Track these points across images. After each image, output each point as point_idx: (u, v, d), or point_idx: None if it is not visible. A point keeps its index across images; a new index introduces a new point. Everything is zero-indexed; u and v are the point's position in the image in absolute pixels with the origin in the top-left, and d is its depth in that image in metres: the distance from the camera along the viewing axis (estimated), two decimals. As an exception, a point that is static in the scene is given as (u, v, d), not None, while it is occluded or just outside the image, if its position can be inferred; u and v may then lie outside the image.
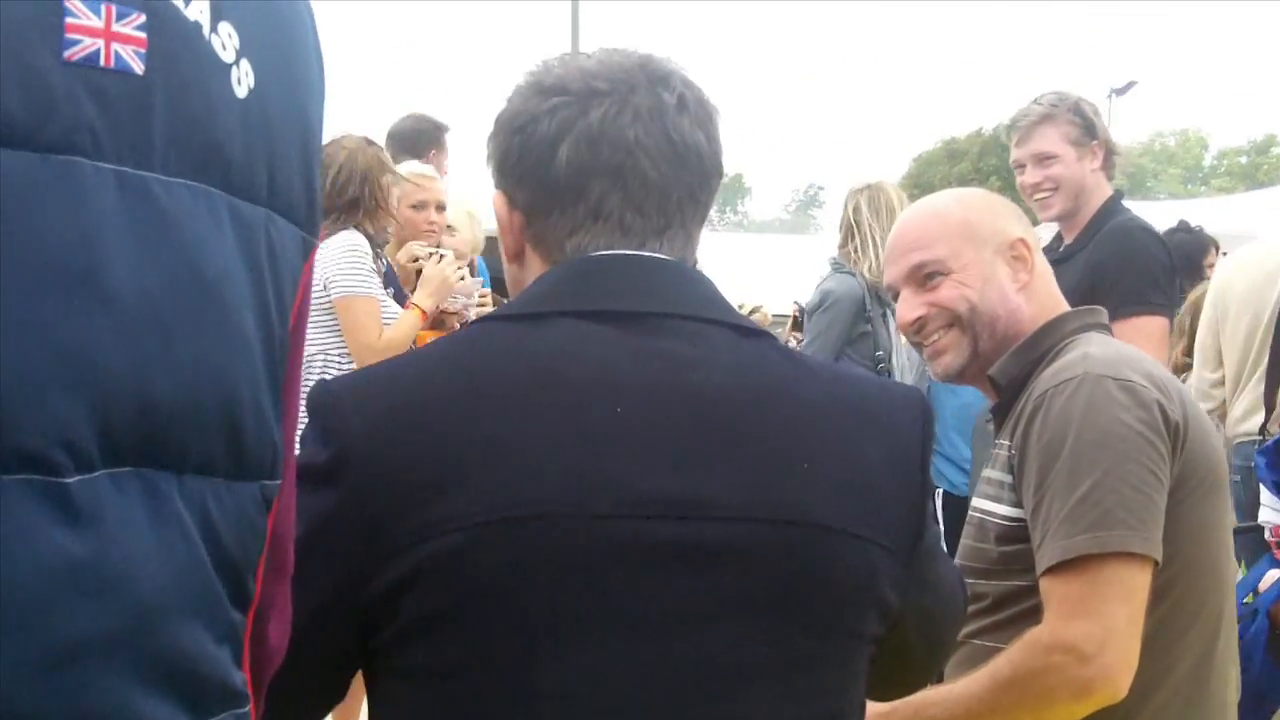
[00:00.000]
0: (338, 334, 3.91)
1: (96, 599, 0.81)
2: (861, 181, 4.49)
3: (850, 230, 4.41)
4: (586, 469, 1.17)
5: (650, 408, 1.20)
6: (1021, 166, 3.75)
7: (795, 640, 1.22)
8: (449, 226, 4.57)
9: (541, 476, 1.16)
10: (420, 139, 5.01)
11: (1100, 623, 1.75)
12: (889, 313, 4.26)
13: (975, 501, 2.04)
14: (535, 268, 1.33)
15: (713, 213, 1.43)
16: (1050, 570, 1.80)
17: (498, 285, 4.63)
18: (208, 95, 0.89)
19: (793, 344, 7.43)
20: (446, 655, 1.16)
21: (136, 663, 0.83)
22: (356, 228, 3.96)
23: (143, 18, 0.85)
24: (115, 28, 0.83)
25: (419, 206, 4.39)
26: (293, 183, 0.98)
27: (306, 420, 1.21)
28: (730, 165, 1.38)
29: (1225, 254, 6.41)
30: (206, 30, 0.89)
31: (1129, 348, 2.06)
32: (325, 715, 1.34)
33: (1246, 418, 4.27)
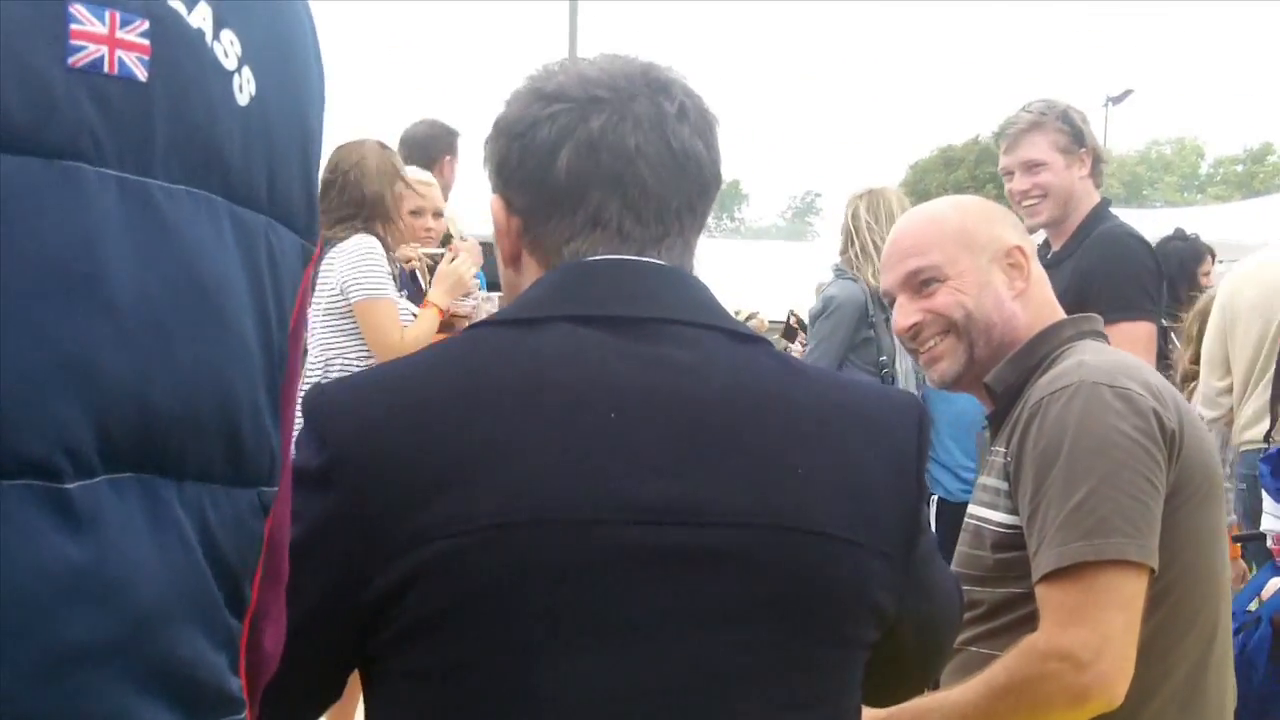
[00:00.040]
0: (354, 337, 3.96)
1: (96, 605, 0.81)
2: (863, 187, 4.50)
3: (850, 236, 4.41)
4: (583, 474, 1.17)
5: (646, 413, 1.20)
6: (1010, 174, 3.77)
7: (791, 645, 1.22)
8: (464, 238, 4.61)
9: (538, 481, 1.16)
10: (434, 145, 5.05)
11: (1096, 630, 1.75)
12: (891, 318, 4.25)
13: (971, 509, 2.05)
14: (532, 273, 1.33)
15: (710, 219, 1.43)
16: (1046, 577, 1.80)
17: (494, 289, 4.65)
18: (209, 102, 0.89)
19: (795, 352, 7.43)
20: (444, 658, 1.17)
21: (135, 668, 0.84)
22: (370, 231, 3.99)
23: (146, 24, 0.85)
24: (119, 34, 0.84)
25: (417, 213, 4.43)
26: (292, 190, 0.98)
27: (302, 424, 1.21)
28: (727, 171, 1.38)
29: (1221, 262, 6.43)
30: (209, 37, 0.90)
31: (1125, 355, 2.06)
32: (321, 715, 1.34)
33: (1252, 425, 4.27)
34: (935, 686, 1.96)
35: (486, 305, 4.27)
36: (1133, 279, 3.57)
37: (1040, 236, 3.86)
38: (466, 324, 4.20)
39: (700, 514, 1.19)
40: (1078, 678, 1.75)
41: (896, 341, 4.28)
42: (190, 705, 0.88)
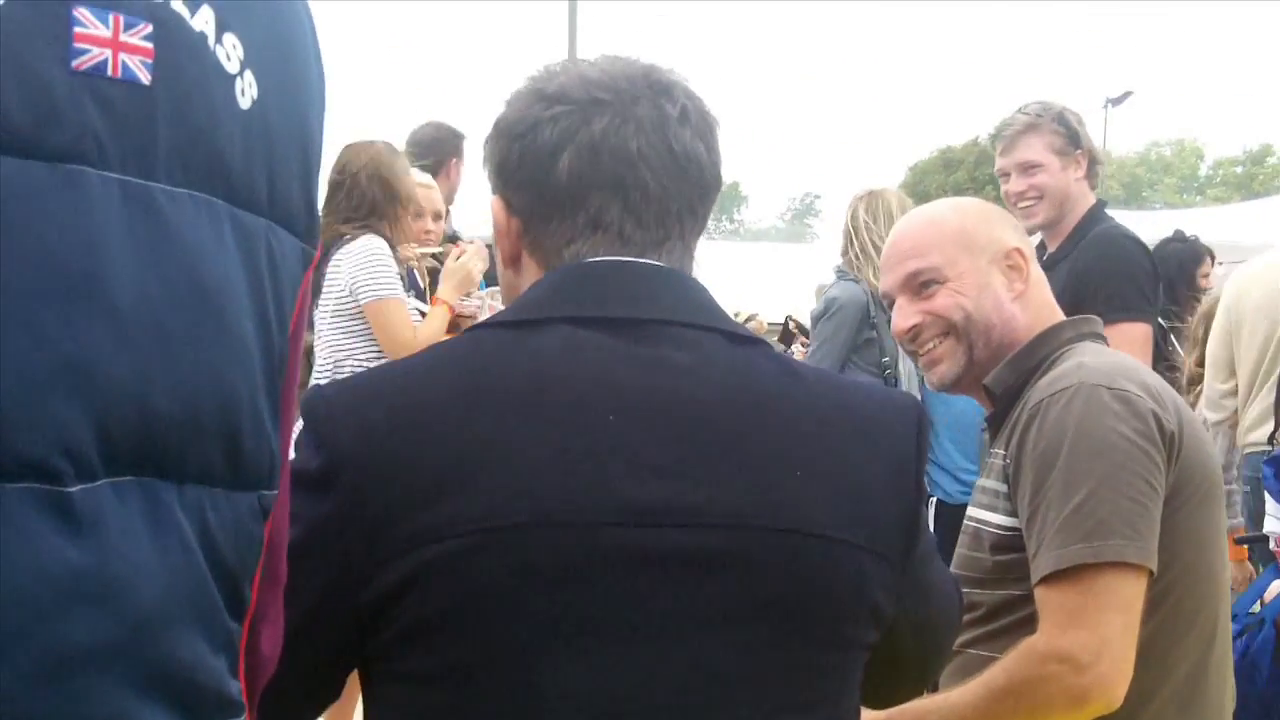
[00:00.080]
0: (363, 338, 3.98)
1: (97, 607, 0.81)
2: (864, 188, 4.50)
3: (850, 237, 4.41)
4: (582, 476, 1.17)
5: (646, 414, 1.20)
6: (1006, 175, 3.78)
7: (790, 647, 1.22)
8: (470, 241, 4.64)
9: (538, 483, 1.16)
10: (441, 147, 5.08)
11: (1096, 632, 1.76)
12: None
13: (970, 511, 2.05)
14: (531, 274, 1.33)
15: (709, 221, 1.43)
16: (1046, 580, 1.80)
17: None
18: (212, 106, 0.90)
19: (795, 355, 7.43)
20: (443, 659, 1.17)
21: (135, 671, 0.84)
22: (376, 232, 4.02)
23: (150, 28, 0.85)
24: (123, 38, 0.84)
25: (417, 215, 4.43)
26: (292, 194, 0.98)
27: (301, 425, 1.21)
28: (726, 173, 1.38)
29: (1221, 264, 6.43)
30: (211, 41, 0.90)
31: (1124, 357, 2.06)
32: (320, 715, 1.34)
33: (1257, 427, 4.28)
34: (935, 689, 1.96)
35: (491, 302, 4.28)
36: (1129, 279, 3.58)
37: (1036, 238, 3.86)
38: (471, 324, 4.23)
39: (700, 516, 1.19)
40: (1077, 680, 1.76)
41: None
42: (190, 708, 0.88)
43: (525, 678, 1.15)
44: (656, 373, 1.22)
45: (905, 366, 4.29)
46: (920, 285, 2.03)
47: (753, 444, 1.22)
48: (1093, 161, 3.74)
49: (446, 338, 3.96)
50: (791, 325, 11.21)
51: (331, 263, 4.00)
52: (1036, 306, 2.04)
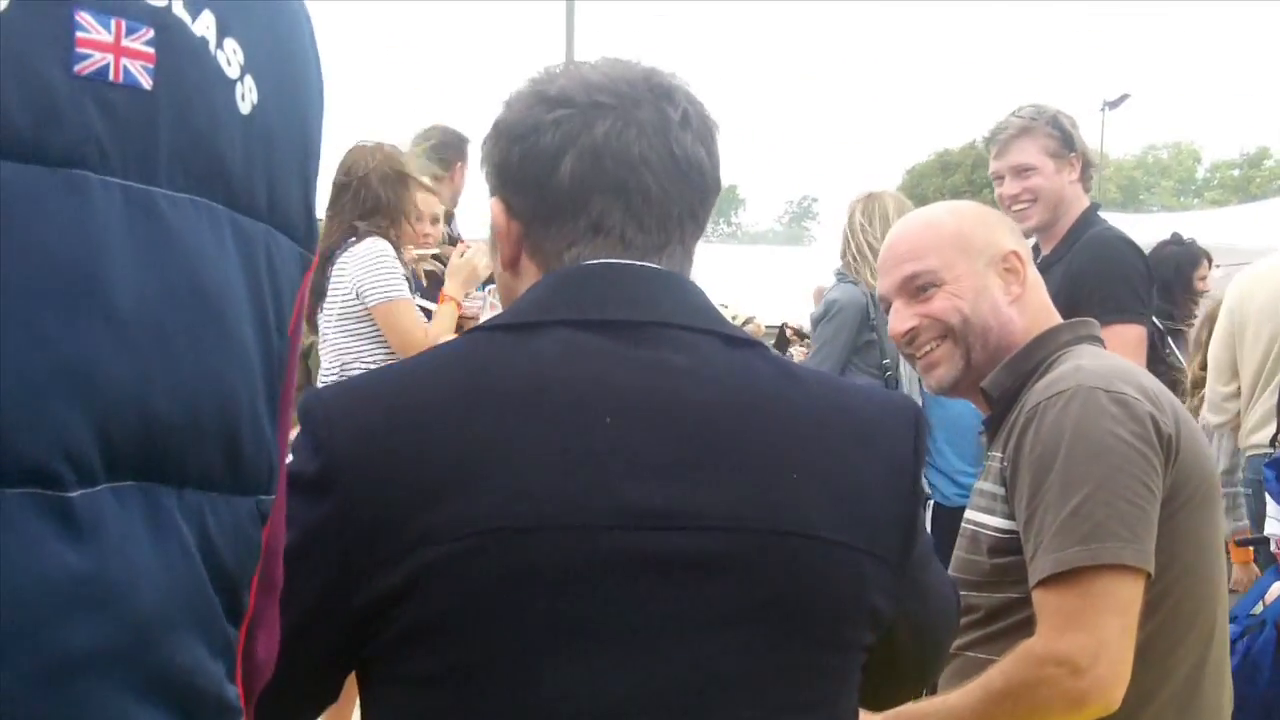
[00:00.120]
0: (370, 340, 4.00)
1: (97, 612, 0.81)
2: (863, 191, 4.51)
3: (847, 239, 4.42)
4: (581, 478, 1.17)
5: (642, 418, 1.20)
6: (1000, 178, 3.79)
7: (789, 649, 1.22)
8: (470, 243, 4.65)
9: (537, 486, 1.16)
10: (446, 151, 5.10)
11: (1094, 635, 1.76)
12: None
13: (968, 513, 2.05)
14: (530, 276, 1.33)
15: (707, 224, 1.43)
16: (1043, 582, 1.80)
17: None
18: (213, 111, 0.90)
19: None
20: (442, 662, 1.17)
21: (135, 676, 0.84)
22: (381, 234, 4.02)
23: (151, 33, 0.85)
24: (125, 43, 0.84)
25: (417, 218, 4.44)
26: (292, 199, 0.98)
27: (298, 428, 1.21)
28: (724, 176, 1.38)
29: (1219, 266, 6.43)
30: (212, 46, 0.90)
31: (1122, 360, 2.07)
32: (318, 717, 1.34)
33: (1259, 429, 4.28)
34: (933, 691, 1.96)
35: (493, 300, 4.29)
36: (1123, 281, 3.59)
37: (1030, 241, 3.87)
38: (472, 324, 4.24)
39: (699, 518, 1.19)
40: (1075, 683, 1.76)
41: (899, 344, 4.28)
42: (189, 713, 0.88)
43: (525, 680, 1.15)
44: (655, 375, 1.22)
45: (906, 369, 4.29)
46: (917, 288, 2.03)
47: (751, 446, 1.22)
48: (1086, 164, 3.76)
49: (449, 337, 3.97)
50: (788, 332, 11.21)
51: (336, 265, 4.01)
52: (1034, 309, 2.04)
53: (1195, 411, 4.81)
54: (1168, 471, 1.85)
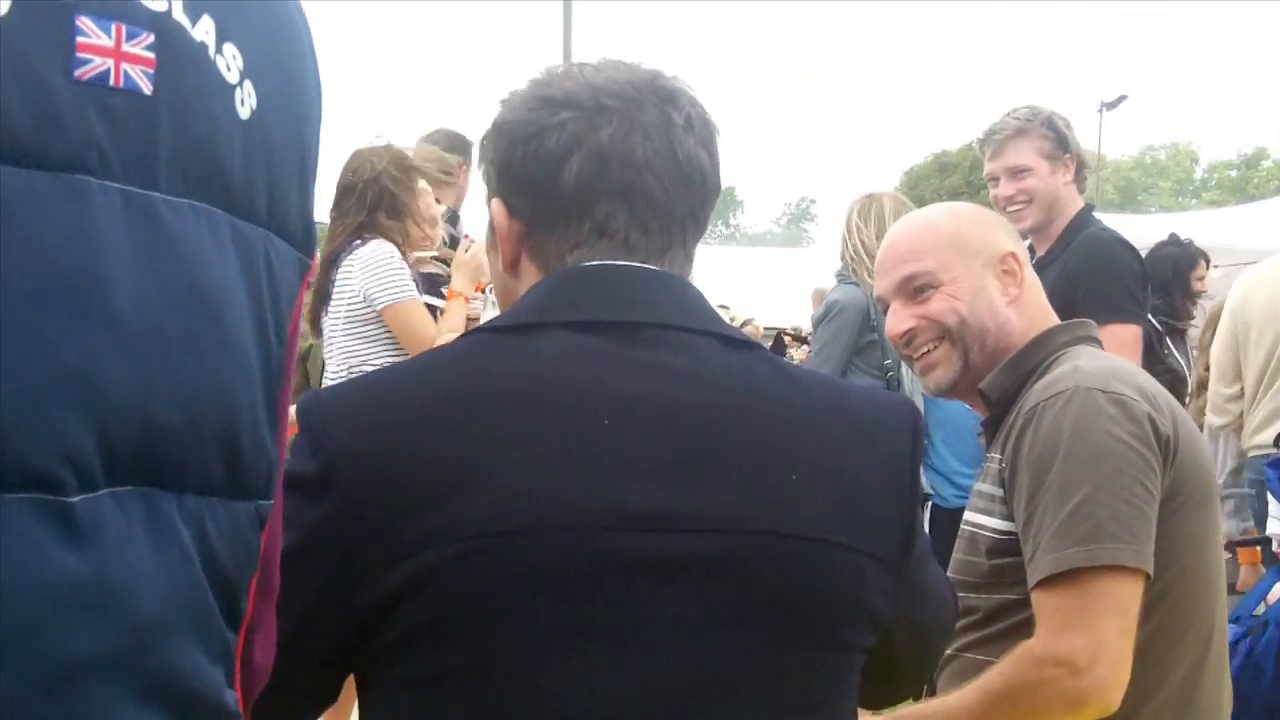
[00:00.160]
0: (378, 343, 4.00)
1: (98, 617, 0.81)
2: (863, 191, 4.52)
3: (845, 240, 4.42)
4: (579, 481, 1.17)
5: (641, 420, 1.20)
6: (995, 180, 3.79)
7: (788, 651, 1.22)
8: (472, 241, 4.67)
9: (535, 488, 1.16)
10: (452, 153, 5.09)
11: (1092, 636, 1.76)
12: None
13: (967, 515, 2.05)
14: (530, 278, 1.33)
15: (704, 225, 1.43)
16: (1042, 583, 1.80)
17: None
18: (212, 116, 0.90)
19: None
20: (441, 664, 1.17)
21: (135, 681, 0.84)
22: (385, 236, 4.03)
23: (151, 38, 0.85)
24: (125, 47, 0.84)
25: (421, 220, 4.45)
26: (290, 203, 0.98)
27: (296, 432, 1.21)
28: (723, 178, 1.38)
29: (1217, 267, 6.44)
30: (212, 51, 0.90)
31: (1120, 360, 2.07)
32: (317, 718, 1.34)
33: (1263, 429, 4.28)
34: (932, 692, 1.97)
35: (494, 299, 4.30)
36: (1118, 281, 3.60)
37: (1025, 242, 3.87)
38: (474, 324, 4.25)
39: (698, 520, 1.19)
40: (1074, 683, 1.76)
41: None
42: (188, 718, 0.88)
43: (525, 682, 1.15)
44: (654, 377, 1.22)
45: (907, 370, 4.29)
46: (915, 289, 2.03)
47: (751, 447, 1.22)
48: (1081, 165, 3.77)
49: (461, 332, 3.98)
50: (786, 339, 11.21)
51: (342, 269, 4.00)
52: (1031, 311, 2.04)
53: (1201, 413, 4.82)
54: (1166, 472, 1.85)
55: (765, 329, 12.56)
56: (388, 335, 4.01)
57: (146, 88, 0.85)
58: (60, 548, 0.79)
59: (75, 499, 0.80)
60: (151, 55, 0.85)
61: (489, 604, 1.15)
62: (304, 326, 4.29)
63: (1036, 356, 2.00)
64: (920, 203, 3.45)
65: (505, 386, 1.20)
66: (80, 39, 0.82)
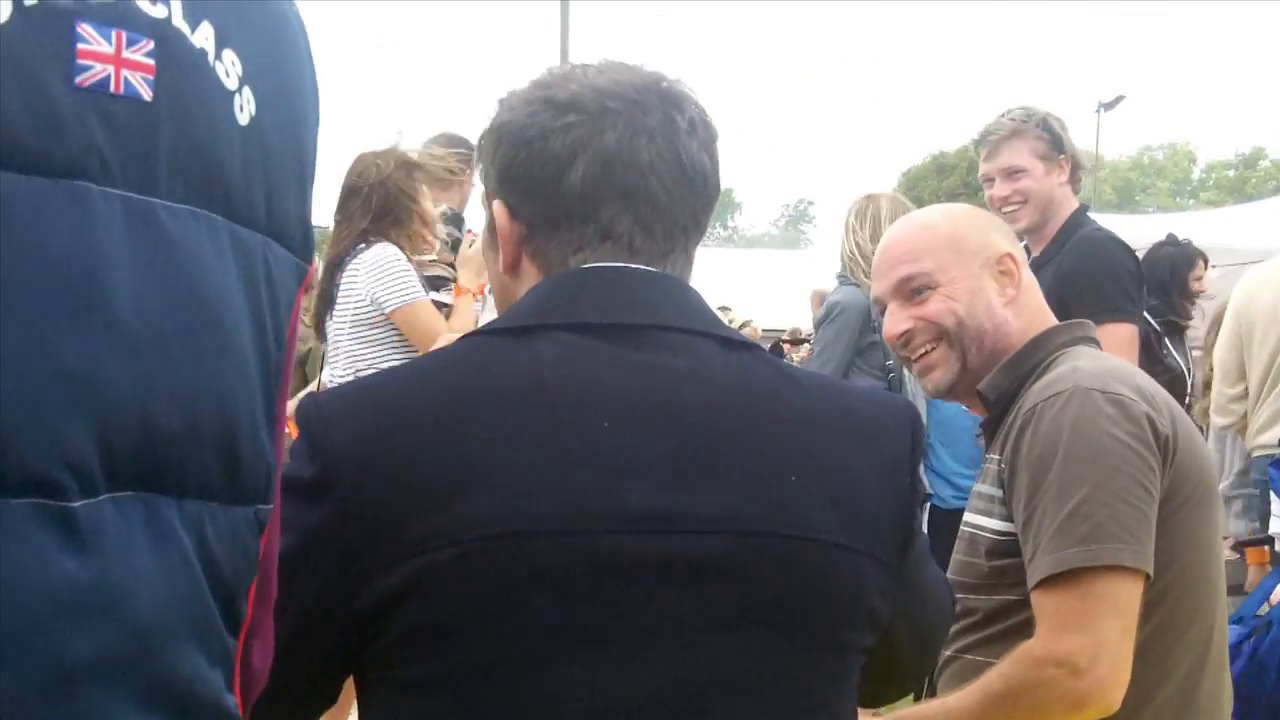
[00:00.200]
0: (386, 346, 4.00)
1: (99, 622, 0.81)
2: (863, 192, 4.52)
3: (843, 242, 4.43)
4: (577, 484, 1.17)
5: (639, 422, 1.20)
6: (990, 180, 3.80)
7: (788, 653, 1.22)
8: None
9: (535, 490, 1.16)
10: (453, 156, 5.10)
11: (1093, 636, 1.76)
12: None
13: (967, 516, 2.05)
14: (530, 280, 1.33)
15: (701, 228, 1.43)
16: (1042, 584, 1.80)
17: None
18: (212, 122, 0.90)
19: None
20: (442, 667, 1.17)
21: (136, 685, 0.84)
22: (389, 239, 4.03)
23: (151, 44, 0.86)
24: (125, 54, 0.84)
25: (425, 223, 4.45)
26: (288, 209, 0.99)
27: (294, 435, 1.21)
28: (721, 180, 1.38)
29: (1215, 267, 6.44)
30: (211, 57, 0.90)
31: (1118, 360, 2.07)
32: (317, 718, 1.34)
33: (1267, 429, 4.29)
34: (932, 693, 1.97)
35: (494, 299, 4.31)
36: (1113, 280, 3.60)
37: (1020, 243, 3.88)
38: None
39: (698, 521, 1.19)
40: (1075, 684, 1.76)
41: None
42: None
43: (526, 683, 1.15)
44: (654, 378, 1.22)
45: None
46: (912, 290, 2.03)
47: (750, 448, 1.23)
48: (1076, 166, 3.78)
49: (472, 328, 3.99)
50: (785, 346, 11.21)
51: (347, 273, 4.00)
52: (1029, 311, 2.04)
53: (1206, 413, 4.82)
54: (1165, 472, 1.85)
55: (764, 331, 12.57)
56: (395, 339, 4.01)
57: (146, 94, 0.85)
58: (62, 552, 0.79)
59: (76, 504, 0.80)
60: (151, 62, 0.86)
61: (489, 605, 1.15)
62: (306, 330, 4.30)
63: (1035, 357, 2.00)
64: (918, 204, 3.46)
65: (505, 388, 1.20)
66: (81, 45, 0.82)
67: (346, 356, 4.02)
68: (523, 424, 1.18)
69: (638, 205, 1.29)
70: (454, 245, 4.66)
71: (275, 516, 1.01)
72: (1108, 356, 2.05)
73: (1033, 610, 1.83)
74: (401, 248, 4.04)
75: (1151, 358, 4.88)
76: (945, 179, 42.65)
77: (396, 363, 3.85)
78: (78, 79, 0.82)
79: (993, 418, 2.02)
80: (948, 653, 1.98)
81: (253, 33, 0.95)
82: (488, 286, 4.46)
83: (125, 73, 0.84)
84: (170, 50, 0.87)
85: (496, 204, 1.34)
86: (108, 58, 0.83)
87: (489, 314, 4.24)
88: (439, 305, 4.19)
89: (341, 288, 4.02)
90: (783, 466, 1.23)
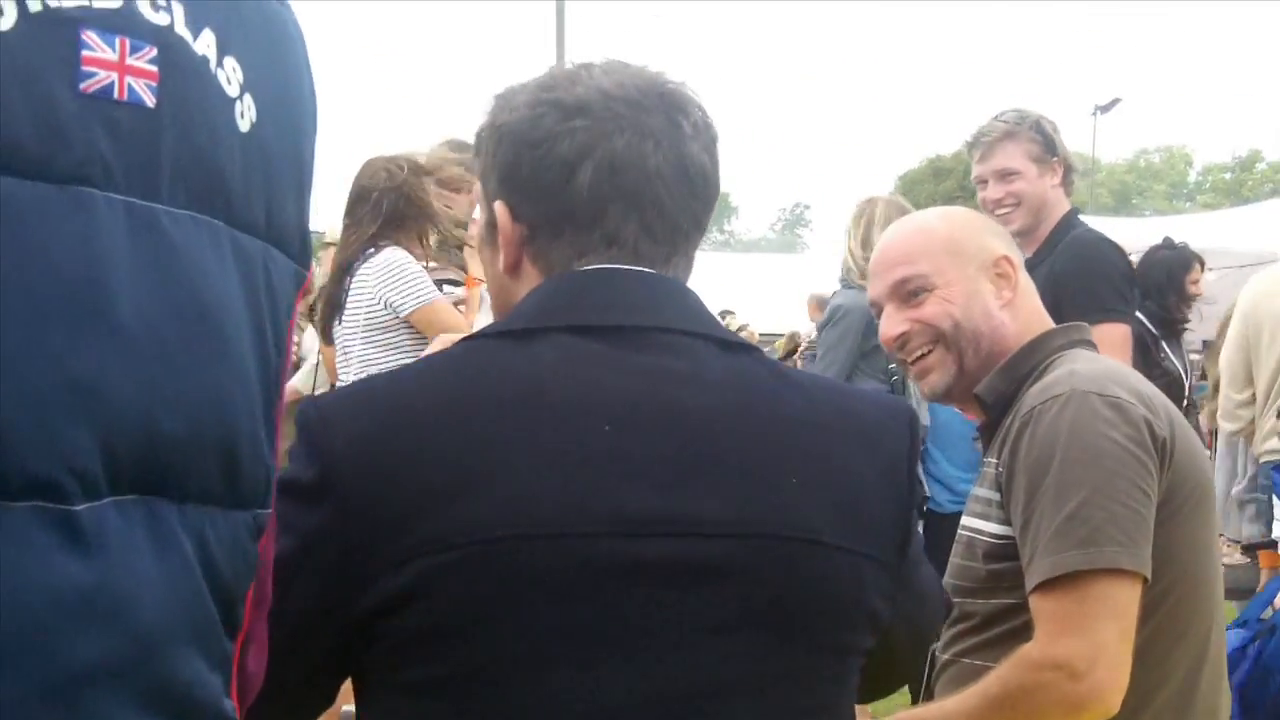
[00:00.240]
0: (397, 350, 3.98)
1: (101, 626, 0.82)
2: (864, 195, 4.53)
3: (844, 245, 4.44)
4: (577, 487, 1.17)
5: (639, 424, 1.20)
6: (983, 182, 3.81)
7: (789, 654, 1.23)
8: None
9: (535, 493, 1.16)
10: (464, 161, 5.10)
11: (1091, 640, 1.76)
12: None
13: (964, 520, 2.05)
14: (530, 282, 1.32)
15: (699, 232, 1.44)
16: (1040, 587, 1.80)
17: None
18: (214, 128, 0.91)
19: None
20: (442, 670, 1.17)
21: (136, 688, 0.84)
22: (397, 244, 4.02)
23: (155, 51, 0.86)
24: (129, 61, 0.85)
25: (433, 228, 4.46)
26: (288, 215, 0.99)
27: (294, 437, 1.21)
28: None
29: (1211, 270, 6.45)
30: (213, 64, 0.91)
31: (1116, 364, 2.07)
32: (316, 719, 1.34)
33: (1273, 435, 4.28)
34: (929, 697, 1.97)
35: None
36: (1105, 280, 3.61)
37: (1016, 245, 3.89)
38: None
39: (699, 524, 1.19)
40: (1073, 687, 1.76)
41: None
42: None
43: (526, 686, 1.16)
44: (654, 380, 1.22)
45: None
46: (908, 293, 2.03)
47: (750, 451, 1.23)
48: (1068, 169, 3.79)
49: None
50: (788, 347, 11.21)
51: (356, 278, 3.99)
52: (1026, 314, 2.04)
53: (1213, 417, 4.82)
54: (1163, 475, 1.85)
55: (760, 335, 12.56)
56: (407, 342, 3.99)
57: (150, 101, 0.86)
58: (64, 556, 0.80)
59: (79, 507, 0.81)
60: (155, 69, 0.86)
61: (490, 609, 1.15)
62: (312, 336, 4.27)
63: (1032, 360, 2.00)
64: (915, 207, 3.46)
65: (505, 390, 1.20)
66: (85, 52, 0.83)
67: (358, 360, 4.02)
68: (523, 426, 1.18)
69: (643, 210, 1.28)
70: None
71: (272, 522, 1.01)
72: (1104, 360, 2.05)
73: (1031, 614, 1.83)
74: (414, 252, 4.04)
75: (1149, 361, 4.89)
76: (942, 183, 42.68)
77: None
78: (82, 85, 0.82)
79: (990, 421, 2.02)
80: (946, 656, 1.98)
81: (253, 40, 0.95)
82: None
83: (129, 79, 0.85)
84: (173, 57, 0.87)
85: (498, 205, 1.33)
86: (112, 64, 0.84)
87: (485, 315, 4.25)
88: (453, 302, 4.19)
89: (351, 293, 4.01)
90: (784, 469, 1.23)
